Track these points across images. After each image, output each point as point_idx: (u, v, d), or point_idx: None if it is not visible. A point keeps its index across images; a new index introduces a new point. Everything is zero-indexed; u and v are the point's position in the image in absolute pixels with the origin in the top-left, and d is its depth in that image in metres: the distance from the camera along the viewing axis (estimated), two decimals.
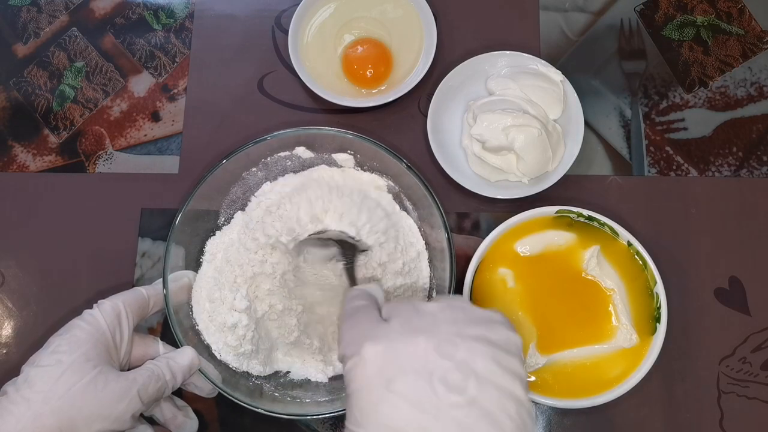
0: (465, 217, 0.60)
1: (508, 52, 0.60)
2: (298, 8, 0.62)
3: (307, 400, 0.53)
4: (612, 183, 0.60)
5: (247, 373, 0.54)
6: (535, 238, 0.55)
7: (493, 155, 0.57)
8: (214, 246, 0.56)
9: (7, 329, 0.59)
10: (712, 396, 0.55)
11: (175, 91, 0.65)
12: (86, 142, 0.64)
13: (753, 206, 0.59)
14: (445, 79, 0.60)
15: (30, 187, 0.63)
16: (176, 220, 0.54)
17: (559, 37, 0.64)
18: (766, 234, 0.59)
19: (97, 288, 0.59)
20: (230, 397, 0.51)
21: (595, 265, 0.54)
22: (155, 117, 0.64)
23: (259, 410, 0.51)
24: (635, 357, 0.52)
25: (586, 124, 0.59)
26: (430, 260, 0.56)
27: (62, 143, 0.64)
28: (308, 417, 0.53)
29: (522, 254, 0.55)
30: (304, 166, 0.58)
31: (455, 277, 0.53)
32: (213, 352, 0.53)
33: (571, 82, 0.59)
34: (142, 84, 0.65)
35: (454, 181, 0.58)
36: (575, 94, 0.59)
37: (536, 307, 0.54)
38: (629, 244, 0.54)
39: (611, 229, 0.54)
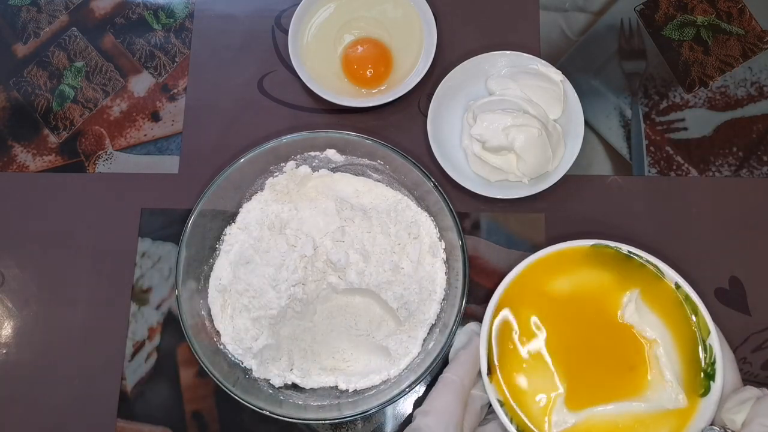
0: (465, 217, 0.60)
1: (508, 52, 0.60)
2: (298, 8, 0.62)
3: (312, 404, 0.54)
4: (612, 183, 0.60)
5: (248, 369, 0.54)
6: (564, 275, 0.49)
7: (493, 155, 0.57)
8: (233, 237, 0.56)
9: (7, 329, 0.59)
10: None
11: (175, 91, 0.65)
12: (86, 142, 0.64)
13: (753, 206, 0.59)
14: (445, 79, 0.60)
15: (30, 187, 0.63)
16: (189, 221, 0.54)
17: (559, 37, 0.64)
18: (766, 234, 0.59)
19: (97, 288, 0.59)
20: (228, 391, 0.51)
21: (633, 311, 0.47)
22: (155, 117, 0.64)
23: (252, 406, 0.51)
24: (680, 421, 0.45)
25: (586, 124, 0.59)
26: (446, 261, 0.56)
27: (62, 143, 0.64)
28: (304, 421, 0.53)
29: (550, 294, 0.49)
30: (334, 168, 0.59)
31: (468, 277, 0.53)
32: (221, 341, 0.54)
33: (571, 82, 0.59)
34: (142, 84, 0.65)
35: (454, 181, 0.58)
36: (575, 94, 0.59)
37: (565, 356, 0.47)
38: (677, 286, 0.48)
39: (655, 267, 0.48)
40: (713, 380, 0.45)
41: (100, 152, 0.63)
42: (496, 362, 0.47)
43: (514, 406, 0.46)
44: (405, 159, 0.55)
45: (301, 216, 0.55)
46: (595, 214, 0.59)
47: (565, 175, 0.57)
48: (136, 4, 0.68)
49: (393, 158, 0.56)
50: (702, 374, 0.46)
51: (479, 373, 0.48)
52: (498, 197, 0.57)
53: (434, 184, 0.55)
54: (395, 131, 0.62)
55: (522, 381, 0.47)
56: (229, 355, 0.54)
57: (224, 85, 0.64)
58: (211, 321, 0.55)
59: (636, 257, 0.49)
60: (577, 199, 0.60)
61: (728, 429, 0.43)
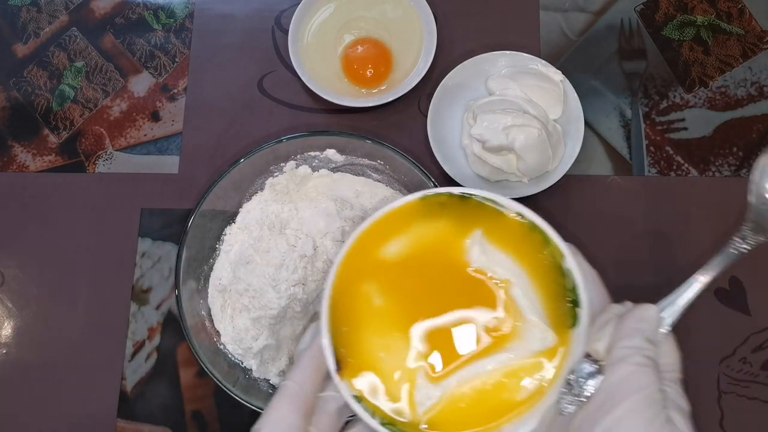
0: None
1: (508, 52, 0.60)
2: (298, 8, 0.62)
3: None
4: (612, 183, 0.60)
5: (248, 369, 0.54)
6: (401, 236, 0.43)
7: (493, 155, 0.57)
8: (233, 237, 0.57)
9: (7, 329, 0.59)
10: (712, 396, 0.55)
11: (175, 91, 0.65)
12: (86, 142, 0.64)
13: None
14: (445, 79, 0.60)
15: (30, 187, 0.63)
16: (189, 221, 0.54)
17: (559, 37, 0.64)
18: None
19: (97, 288, 0.59)
20: (228, 391, 0.51)
21: (480, 254, 0.42)
22: (155, 117, 0.64)
23: (252, 406, 0.51)
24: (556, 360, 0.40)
25: (586, 124, 0.59)
26: None
27: (62, 143, 0.64)
28: None
29: (387, 259, 0.42)
30: (334, 168, 0.59)
31: None
32: (221, 341, 0.54)
33: (571, 82, 0.59)
34: (142, 84, 0.65)
35: (455, 181, 0.58)
36: (575, 94, 0.59)
37: (420, 325, 0.41)
38: (520, 215, 0.42)
39: (494, 201, 0.43)
40: (579, 306, 0.40)
41: (100, 152, 0.63)
42: (344, 355, 0.40)
43: (373, 399, 0.40)
44: (405, 159, 0.55)
45: (301, 216, 0.55)
46: (595, 214, 0.59)
47: (565, 175, 0.57)
48: (136, 4, 0.68)
49: (393, 158, 0.56)
50: (567, 303, 0.40)
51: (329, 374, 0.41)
52: None
53: (434, 184, 0.55)
54: (395, 131, 0.62)
55: (378, 367, 0.40)
56: (229, 355, 0.54)
57: (224, 85, 0.64)
58: (211, 321, 0.55)
59: (472, 196, 0.43)
60: (577, 199, 0.60)
61: (595, 360, 0.39)
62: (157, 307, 0.59)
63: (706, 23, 0.64)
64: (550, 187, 0.57)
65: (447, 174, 0.58)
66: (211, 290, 0.56)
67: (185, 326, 0.53)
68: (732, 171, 0.60)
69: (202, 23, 0.67)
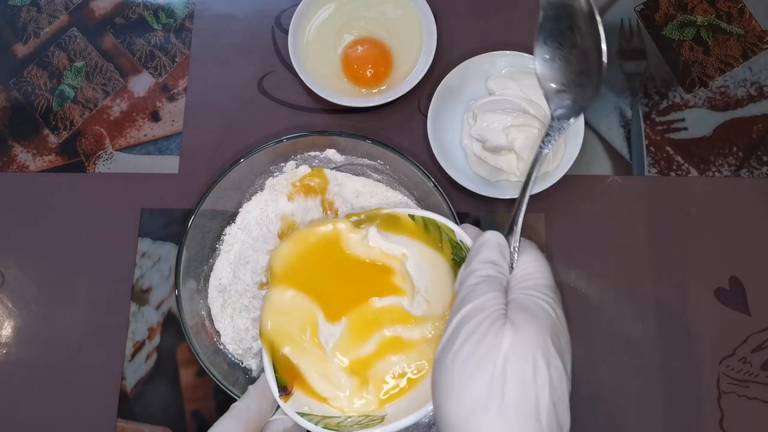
0: (465, 217, 0.60)
1: (508, 52, 0.60)
2: (298, 8, 0.62)
3: None
4: (612, 183, 0.60)
5: (248, 369, 0.54)
6: (302, 248, 0.50)
7: (493, 155, 0.57)
8: (232, 237, 0.57)
9: (7, 329, 0.59)
10: (712, 396, 0.55)
11: (175, 91, 0.65)
12: (86, 142, 0.64)
13: (753, 206, 0.59)
14: (445, 79, 0.60)
15: (30, 187, 0.63)
16: (189, 221, 0.54)
17: None
18: (766, 234, 0.59)
19: (97, 288, 0.59)
20: (228, 391, 0.51)
21: (375, 233, 0.48)
22: (155, 117, 0.64)
23: None
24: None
25: (586, 124, 0.59)
26: None
27: (62, 143, 0.64)
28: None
29: (294, 269, 0.49)
30: (334, 168, 0.58)
31: None
32: (221, 341, 0.54)
33: None
34: (142, 84, 0.65)
35: (454, 181, 0.58)
36: None
37: (306, 283, 0.48)
38: (412, 217, 0.49)
39: (389, 213, 0.50)
40: None
41: (100, 152, 0.63)
42: (290, 379, 0.47)
43: (317, 404, 0.46)
44: (405, 159, 0.55)
45: None
46: (595, 214, 0.59)
47: (565, 175, 0.57)
48: (136, 4, 0.68)
49: (393, 158, 0.56)
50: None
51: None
52: (498, 197, 0.57)
53: (434, 184, 0.55)
54: (395, 131, 0.62)
55: (314, 374, 0.46)
56: (229, 355, 0.54)
57: (224, 85, 0.64)
58: (211, 321, 0.55)
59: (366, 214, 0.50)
60: (577, 199, 0.60)
61: None
62: (157, 307, 0.59)
63: (706, 23, 0.64)
64: (550, 187, 0.57)
65: (447, 174, 0.58)
66: (211, 290, 0.56)
67: (185, 326, 0.53)
68: (732, 171, 0.60)
69: (202, 23, 0.67)
